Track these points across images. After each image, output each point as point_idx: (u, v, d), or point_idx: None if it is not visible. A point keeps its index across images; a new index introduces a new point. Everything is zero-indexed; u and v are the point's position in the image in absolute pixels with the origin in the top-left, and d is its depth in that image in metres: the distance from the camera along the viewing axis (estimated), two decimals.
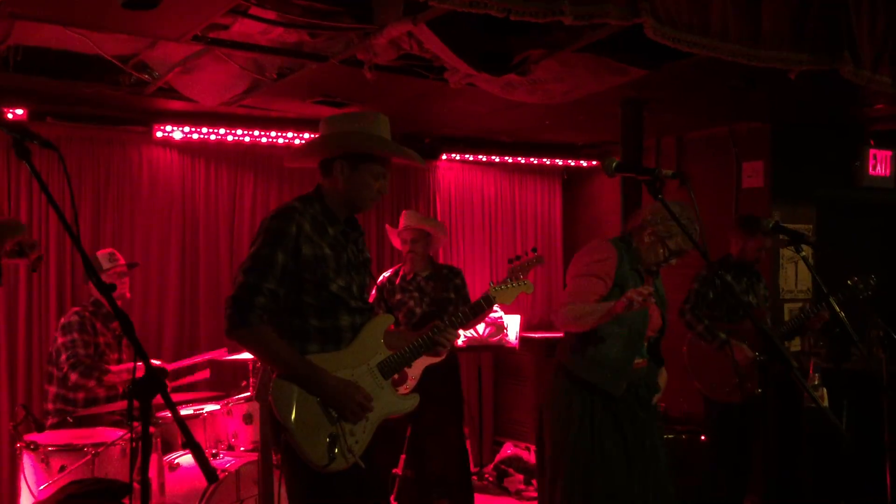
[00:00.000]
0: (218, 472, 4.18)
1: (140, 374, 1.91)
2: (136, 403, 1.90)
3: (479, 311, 3.14)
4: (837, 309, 3.68)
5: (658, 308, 3.66)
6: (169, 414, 4.41)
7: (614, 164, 2.69)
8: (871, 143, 6.61)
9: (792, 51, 3.93)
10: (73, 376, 4.53)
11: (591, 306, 3.44)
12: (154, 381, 1.86)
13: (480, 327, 6.63)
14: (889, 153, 6.70)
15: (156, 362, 4.91)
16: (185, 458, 4.31)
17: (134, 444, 1.91)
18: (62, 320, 4.71)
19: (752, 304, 5.00)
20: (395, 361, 2.92)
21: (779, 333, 4.97)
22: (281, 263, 2.69)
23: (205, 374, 4.98)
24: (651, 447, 3.60)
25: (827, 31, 3.97)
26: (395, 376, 2.95)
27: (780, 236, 3.54)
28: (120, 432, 4.16)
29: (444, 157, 7.16)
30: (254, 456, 4.33)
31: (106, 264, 4.79)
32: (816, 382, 4.48)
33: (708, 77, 4.71)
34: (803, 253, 3.36)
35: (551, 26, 3.56)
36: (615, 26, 3.55)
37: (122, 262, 4.89)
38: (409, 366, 3.01)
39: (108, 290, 1.98)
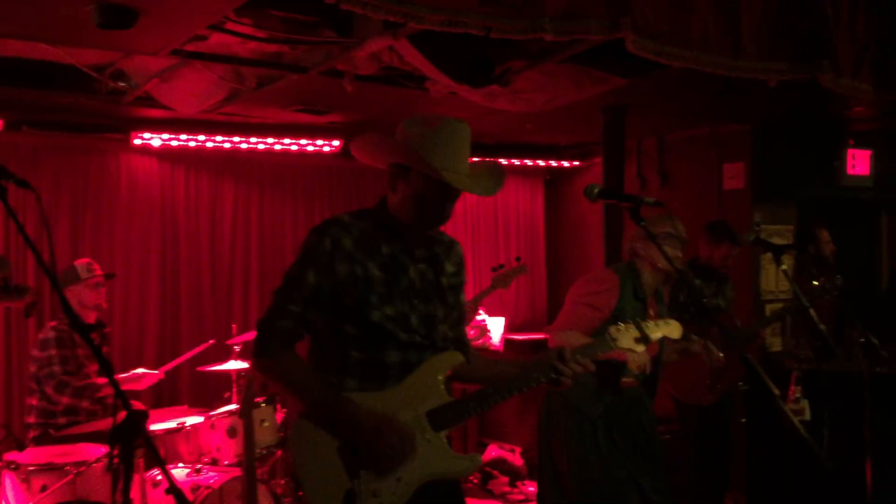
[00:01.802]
0: (202, 489, 4.16)
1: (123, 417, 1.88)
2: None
3: (592, 354, 2.55)
4: (816, 318, 3.71)
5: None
6: (152, 427, 4.42)
7: (596, 191, 2.69)
8: (851, 142, 6.66)
9: (772, 60, 3.94)
10: (48, 390, 4.50)
11: (588, 345, 3.37)
12: (135, 427, 1.83)
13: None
14: (868, 153, 6.75)
15: (138, 372, 4.86)
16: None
17: (115, 465, 1.87)
18: (39, 335, 4.65)
19: (721, 308, 5.04)
20: (453, 411, 2.37)
21: (744, 337, 5.02)
22: (312, 284, 2.32)
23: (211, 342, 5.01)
24: (646, 451, 3.62)
25: (806, 40, 3.98)
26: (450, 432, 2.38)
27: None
28: (102, 449, 4.12)
29: None
30: (237, 471, 4.31)
31: (83, 274, 4.73)
32: (798, 395, 4.51)
33: (688, 84, 4.71)
34: (784, 266, 3.37)
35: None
36: (596, 40, 3.54)
37: (100, 272, 4.84)
38: (472, 417, 2.42)
39: (85, 331, 1.95)
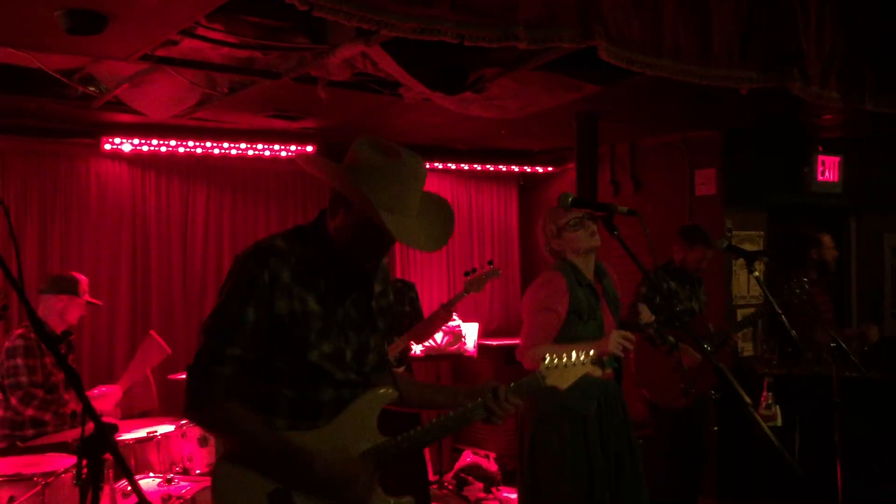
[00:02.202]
0: (173, 499, 4.11)
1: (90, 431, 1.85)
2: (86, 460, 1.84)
3: (522, 394, 2.43)
4: (787, 324, 3.75)
5: (611, 316, 3.71)
6: (123, 437, 4.36)
7: (570, 200, 2.70)
8: (820, 149, 6.74)
9: (742, 69, 3.97)
10: (14, 400, 4.43)
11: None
12: (103, 440, 1.80)
13: (438, 336, 6.62)
14: (837, 159, 6.84)
15: (103, 389, 4.80)
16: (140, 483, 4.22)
17: (84, 476, 1.84)
18: (6, 343, 4.58)
19: (696, 311, 5.09)
20: (388, 451, 2.27)
21: (716, 340, 5.07)
22: (251, 322, 2.12)
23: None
24: (625, 456, 3.64)
25: (776, 48, 4.02)
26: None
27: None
28: (70, 459, 4.06)
29: None
30: (209, 480, 4.26)
31: (81, 291, 4.70)
32: (770, 402, 4.56)
33: (660, 92, 4.75)
34: (756, 273, 3.41)
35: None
36: (569, 48, 3.55)
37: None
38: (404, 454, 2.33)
39: (53, 342, 1.92)
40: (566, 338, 3.53)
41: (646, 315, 3.74)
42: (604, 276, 3.80)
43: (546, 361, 2.47)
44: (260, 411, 2.20)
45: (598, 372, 2.60)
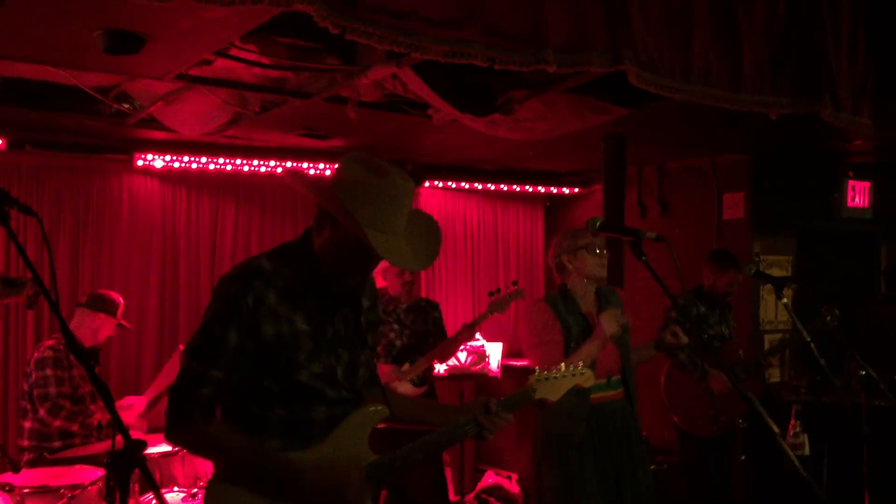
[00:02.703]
0: None
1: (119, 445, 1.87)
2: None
3: (513, 407, 2.48)
4: (816, 352, 3.70)
5: (614, 344, 3.65)
6: (148, 451, 4.39)
7: (598, 224, 2.70)
8: (850, 174, 6.69)
9: (772, 94, 3.96)
10: (42, 412, 4.49)
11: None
12: (133, 456, 1.82)
13: (462, 356, 6.62)
14: (867, 184, 6.78)
15: (131, 400, 4.85)
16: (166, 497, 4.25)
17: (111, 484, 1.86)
18: (35, 355, 4.65)
19: (726, 336, 5.04)
20: (381, 468, 2.26)
21: (751, 366, 5.01)
22: (233, 346, 2.11)
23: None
24: (634, 478, 3.61)
25: (807, 74, 4.00)
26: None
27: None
28: (97, 472, 4.10)
29: (426, 184, 7.15)
30: None
31: (117, 313, 4.79)
32: (798, 430, 4.50)
33: (689, 115, 4.74)
34: (784, 300, 3.38)
35: None
36: (598, 72, 3.56)
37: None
38: (400, 474, 2.34)
39: (83, 356, 1.95)
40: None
41: (682, 337, 3.72)
42: (607, 303, 3.74)
43: (536, 374, 2.53)
44: (253, 432, 2.19)
45: (589, 382, 2.65)
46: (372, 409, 2.31)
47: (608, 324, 3.45)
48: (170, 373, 5.00)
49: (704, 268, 5.11)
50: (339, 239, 2.16)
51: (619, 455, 3.58)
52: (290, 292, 2.18)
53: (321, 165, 6.36)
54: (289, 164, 6.22)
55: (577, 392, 3.31)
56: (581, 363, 2.63)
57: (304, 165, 6.30)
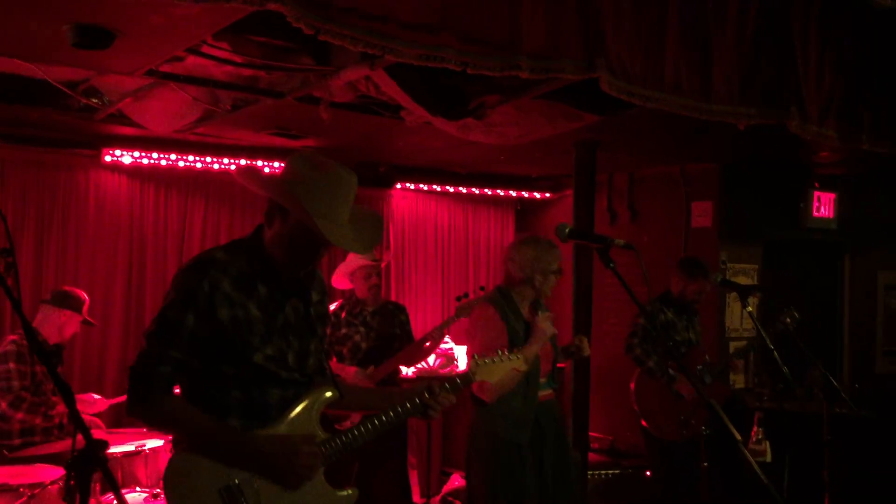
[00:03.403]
0: None
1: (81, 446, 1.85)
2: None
3: (455, 388, 2.69)
4: (779, 360, 3.77)
5: (550, 343, 3.83)
6: (111, 450, 4.34)
7: (567, 231, 2.72)
8: (816, 185, 6.79)
9: (741, 105, 4.00)
10: (3, 405, 4.42)
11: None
12: (93, 456, 1.80)
13: (431, 358, 6.62)
14: (833, 196, 6.89)
15: (95, 396, 4.79)
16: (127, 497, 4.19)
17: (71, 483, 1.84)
18: None
19: (693, 342, 5.10)
20: (331, 447, 2.43)
21: (716, 370, 5.08)
22: (190, 328, 2.26)
23: None
24: (562, 475, 3.77)
25: (775, 86, 4.06)
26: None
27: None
28: (57, 471, 4.04)
29: (398, 185, 7.15)
30: None
31: (82, 310, 4.72)
32: (760, 437, 4.57)
33: (660, 124, 4.79)
34: (749, 308, 3.42)
35: None
36: (571, 79, 3.58)
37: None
38: (349, 452, 2.49)
39: (45, 356, 1.93)
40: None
41: (585, 349, 3.90)
42: (540, 309, 3.88)
43: (476, 359, 2.79)
44: (214, 415, 2.34)
45: (523, 367, 3.07)
46: (323, 392, 2.49)
47: (546, 326, 3.63)
48: None
49: (673, 275, 5.16)
50: (289, 229, 2.36)
51: (551, 450, 3.74)
52: (242, 281, 2.35)
53: None
54: (260, 162, 6.18)
55: (525, 398, 3.59)
56: (519, 353, 2.94)
57: (276, 165, 6.26)
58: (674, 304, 5.12)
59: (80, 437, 1.86)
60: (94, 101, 4.63)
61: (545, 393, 3.78)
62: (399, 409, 2.52)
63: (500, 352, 2.87)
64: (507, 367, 2.86)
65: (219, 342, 2.30)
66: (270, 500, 2.34)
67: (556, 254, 3.76)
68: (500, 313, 3.69)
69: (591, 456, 6.01)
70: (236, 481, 2.31)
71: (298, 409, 2.43)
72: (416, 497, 6.19)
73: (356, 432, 2.47)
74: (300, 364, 2.46)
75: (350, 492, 2.50)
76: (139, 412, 2.33)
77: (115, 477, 4.43)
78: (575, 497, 3.82)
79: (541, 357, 3.74)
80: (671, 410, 4.92)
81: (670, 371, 4.91)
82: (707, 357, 5.08)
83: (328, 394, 2.50)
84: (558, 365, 3.99)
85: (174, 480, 2.31)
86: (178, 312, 2.27)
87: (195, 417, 2.32)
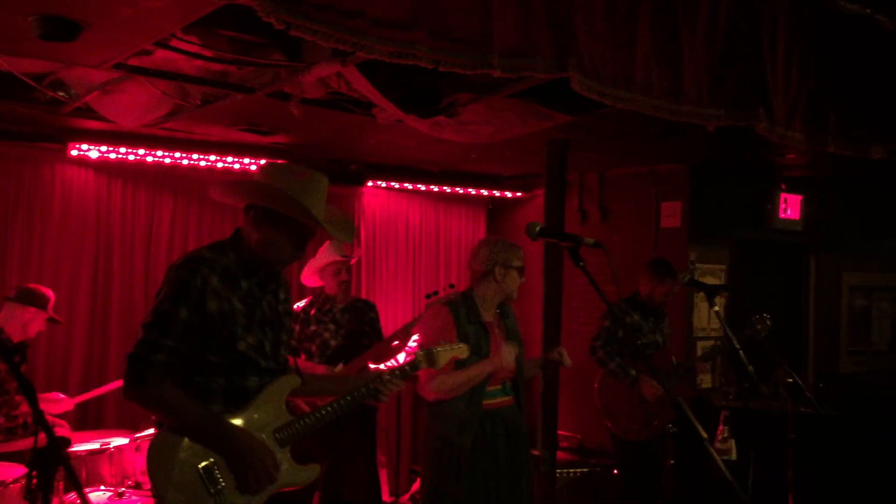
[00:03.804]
0: None
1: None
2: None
3: (404, 375, 3.02)
4: (745, 359, 3.81)
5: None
6: (75, 448, 4.28)
7: (538, 229, 2.73)
8: (783, 187, 6.88)
9: (710, 106, 4.04)
10: None
11: (462, 376, 3.62)
12: (56, 454, 1.78)
13: (401, 356, 6.61)
14: (799, 197, 6.98)
15: (60, 395, 4.73)
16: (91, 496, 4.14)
17: (33, 489, 1.81)
18: None
19: (660, 344, 5.14)
20: (295, 428, 2.72)
21: (681, 371, 5.12)
22: (183, 319, 2.52)
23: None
24: (517, 480, 3.78)
25: (744, 88, 4.10)
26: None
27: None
28: (20, 469, 3.98)
29: (369, 183, 7.13)
30: None
31: (47, 307, 4.63)
32: (726, 435, 4.62)
33: (630, 124, 4.82)
34: (716, 308, 3.45)
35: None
36: (543, 78, 3.59)
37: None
38: (311, 432, 2.77)
39: (8, 353, 1.89)
40: (456, 370, 3.67)
41: (566, 360, 3.99)
42: (506, 316, 3.92)
43: (422, 350, 3.09)
44: (199, 400, 2.58)
45: (464, 355, 3.30)
46: (289, 378, 2.79)
47: (507, 357, 3.67)
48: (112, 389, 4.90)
49: (642, 276, 5.20)
50: (278, 228, 2.65)
51: (507, 460, 3.74)
52: (228, 277, 2.63)
53: (262, 161, 6.28)
54: (229, 158, 6.13)
55: (469, 401, 3.65)
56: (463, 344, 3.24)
57: (246, 161, 6.21)
58: (641, 307, 5.15)
59: (42, 435, 1.83)
60: (61, 94, 4.55)
61: (497, 401, 3.78)
62: (354, 394, 2.83)
63: (442, 342, 3.19)
64: (449, 355, 3.18)
65: (207, 332, 2.56)
66: None
67: (519, 252, 3.82)
68: (452, 314, 3.72)
69: (560, 454, 6.04)
70: (212, 460, 2.55)
71: (266, 394, 2.70)
72: (385, 495, 6.18)
73: (316, 415, 2.77)
74: (275, 353, 2.75)
75: (317, 467, 2.77)
76: (135, 395, 2.53)
77: (79, 475, 4.39)
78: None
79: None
80: (634, 410, 4.97)
81: (633, 372, 4.96)
82: (674, 359, 5.12)
83: (292, 380, 2.78)
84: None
85: (158, 457, 2.53)
86: (172, 305, 2.52)
87: (186, 403, 2.54)
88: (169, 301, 2.53)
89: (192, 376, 2.58)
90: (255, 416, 2.65)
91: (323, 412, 2.78)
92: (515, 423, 3.83)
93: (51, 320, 4.76)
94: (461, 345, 3.23)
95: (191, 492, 2.49)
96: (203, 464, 2.53)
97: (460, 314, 3.73)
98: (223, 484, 2.54)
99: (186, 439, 2.54)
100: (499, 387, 3.78)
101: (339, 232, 2.78)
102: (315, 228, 2.70)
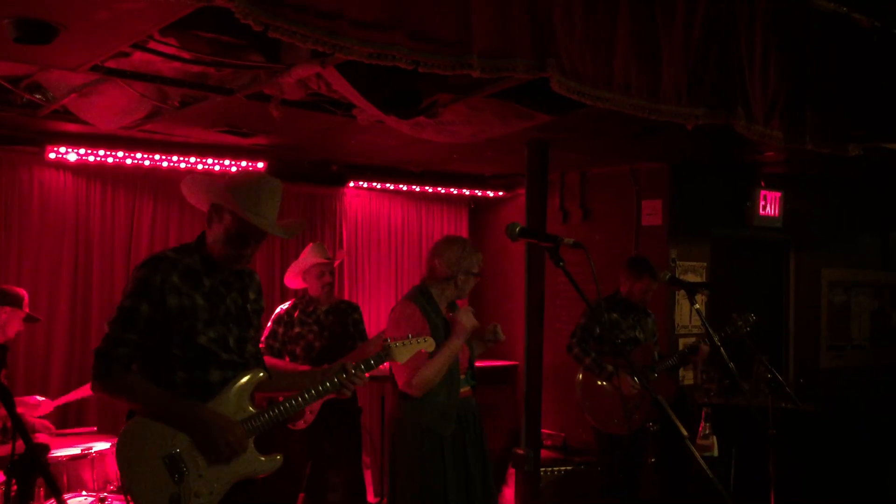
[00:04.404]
0: None
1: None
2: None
3: (370, 367, 3.06)
4: (725, 356, 3.84)
5: (466, 344, 3.92)
6: (56, 453, 4.24)
7: (518, 229, 2.73)
8: (762, 184, 6.93)
9: (689, 106, 4.07)
10: None
11: (435, 363, 3.66)
12: (34, 461, 1.76)
13: None
14: (778, 195, 7.04)
15: (39, 398, 4.68)
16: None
17: (13, 497, 1.80)
18: None
19: (639, 340, 5.17)
20: (259, 421, 2.81)
21: (664, 367, 5.14)
22: (145, 314, 2.66)
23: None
24: (480, 469, 3.85)
25: (722, 87, 4.13)
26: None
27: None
28: None
29: (351, 184, 7.12)
30: None
31: (22, 305, 4.58)
32: (707, 432, 4.65)
33: (610, 123, 4.84)
34: (697, 305, 3.48)
35: None
36: (522, 78, 3.60)
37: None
38: (275, 425, 2.84)
39: None
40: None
41: (499, 334, 4.03)
42: (453, 308, 3.96)
43: (389, 342, 3.12)
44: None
45: (431, 348, 3.30)
46: (253, 372, 2.86)
47: (466, 319, 3.74)
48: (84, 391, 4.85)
49: (621, 274, 5.22)
50: (225, 226, 2.77)
51: (472, 444, 3.83)
52: (189, 275, 2.76)
53: (243, 163, 6.26)
54: (210, 160, 6.10)
55: (449, 392, 3.71)
56: (429, 338, 3.27)
57: (226, 162, 6.18)
58: (621, 305, 5.18)
59: (20, 441, 1.81)
60: (38, 96, 4.51)
61: (464, 389, 3.89)
62: (319, 388, 2.88)
63: (409, 335, 3.21)
64: (416, 348, 3.21)
65: (169, 326, 2.69)
66: (207, 466, 2.70)
67: (479, 257, 3.93)
68: (420, 309, 3.77)
69: (544, 453, 6.06)
70: (178, 450, 2.67)
71: (232, 387, 2.79)
72: (370, 496, 6.17)
73: (279, 408, 2.83)
74: (239, 348, 2.85)
75: (278, 457, 2.83)
76: (101, 386, 2.68)
77: (60, 481, 4.36)
78: (492, 491, 3.94)
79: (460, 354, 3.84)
80: (614, 405, 5.00)
81: (609, 368, 5.00)
82: (656, 354, 5.15)
83: (260, 374, 2.87)
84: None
85: (125, 447, 2.66)
86: (133, 301, 2.67)
87: (149, 389, 2.68)
88: (131, 298, 2.68)
89: (157, 369, 2.72)
90: (219, 409, 2.74)
91: (286, 405, 2.85)
92: (478, 410, 3.96)
93: (28, 318, 4.70)
94: (428, 338, 3.27)
95: (154, 481, 2.61)
96: (167, 453, 2.65)
97: (427, 308, 3.80)
98: (187, 472, 2.65)
99: (152, 428, 2.66)
100: (462, 376, 3.88)
101: (276, 228, 2.85)
102: (264, 229, 2.78)
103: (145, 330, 2.67)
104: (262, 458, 2.81)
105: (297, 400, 2.86)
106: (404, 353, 3.17)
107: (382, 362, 3.13)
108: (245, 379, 2.83)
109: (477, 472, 3.82)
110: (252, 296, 2.96)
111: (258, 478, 2.85)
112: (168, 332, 2.70)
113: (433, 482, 3.69)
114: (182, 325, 2.70)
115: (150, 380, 2.71)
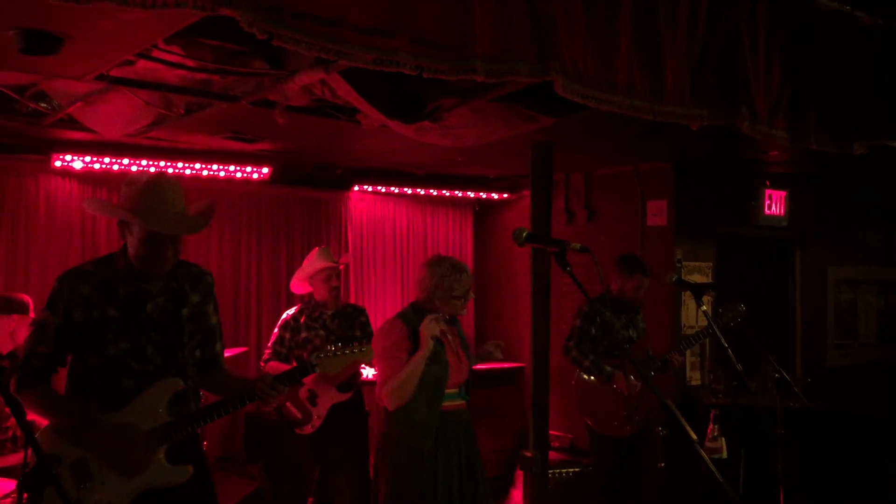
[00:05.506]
0: None
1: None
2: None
3: (292, 379, 2.96)
4: (731, 355, 3.84)
5: (464, 354, 3.93)
6: None
7: (524, 235, 2.74)
8: (767, 183, 6.92)
9: (693, 106, 4.06)
10: None
11: (404, 375, 3.63)
12: (46, 474, 1.77)
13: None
14: (783, 193, 7.03)
15: None
16: None
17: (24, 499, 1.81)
18: None
19: (633, 338, 5.15)
20: (170, 429, 2.81)
21: (654, 366, 5.12)
22: (53, 326, 2.72)
23: None
24: (473, 479, 3.83)
25: (726, 88, 4.12)
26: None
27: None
28: (8, 484, 3.95)
29: (356, 188, 7.13)
30: None
31: (28, 308, 4.60)
32: (716, 434, 4.63)
33: (614, 125, 4.83)
34: (703, 307, 3.47)
35: None
36: (526, 82, 3.60)
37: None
38: (188, 434, 2.84)
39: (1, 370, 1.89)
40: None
41: (498, 354, 4.06)
42: (453, 322, 3.96)
43: (316, 353, 3.01)
44: (82, 397, 2.80)
45: (369, 357, 3.12)
46: (167, 381, 2.85)
47: (427, 328, 3.64)
48: None
49: (612, 273, 5.22)
50: (135, 236, 2.77)
51: (462, 459, 3.80)
52: (103, 286, 2.79)
53: (248, 168, 6.28)
54: (215, 166, 6.12)
55: (429, 406, 3.68)
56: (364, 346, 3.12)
57: (231, 168, 6.20)
58: (612, 303, 5.16)
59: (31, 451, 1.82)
60: (43, 105, 4.53)
61: (455, 403, 3.85)
62: (240, 398, 2.88)
63: (339, 344, 3.09)
64: (348, 360, 3.04)
65: (79, 337, 2.75)
66: (112, 475, 2.72)
67: (462, 278, 3.84)
68: (406, 328, 3.74)
69: (552, 454, 6.05)
70: (84, 457, 2.70)
71: (144, 395, 2.80)
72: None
73: (193, 418, 2.84)
74: (163, 356, 2.85)
75: (188, 468, 2.80)
76: (21, 399, 2.69)
77: (66, 493, 4.36)
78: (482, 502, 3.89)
79: (452, 367, 3.79)
80: (613, 406, 4.99)
81: (608, 369, 4.98)
82: (650, 351, 5.13)
83: (172, 381, 2.85)
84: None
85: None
86: (45, 314, 2.75)
87: (58, 402, 2.79)
88: (43, 312, 2.78)
89: (76, 376, 2.83)
90: (127, 418, 2.77)
91: (202, 414, 2.87)
92: (470, 423, 3.92)
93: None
94: (365, 348, 3.10)
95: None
96: (74, 459, 2.70)
97: (413, 323, 3.75)
98: (94, 478, 2.69)
99: (57, 437, 2.73)
100: (456, 390, 3.85)
101: (177, 226, 2.81)
102: (169, 232, 2.77)
103: (59, 341, 2.74)
104: (171, 469, 2.80)
105: (219, 409, 2.87)
106: (334, 363, 3.03)
107: (306, 374, 3.00)
108: (159, 388, 2.83)
109: (466, 484, 3.79)
110: (195, 299, 2.95)
111: (182, 487, 2.81)
112: (81, 343, 2.76)
113: (412, 496, 3.68)
114: (91, 338, 2.75)
115: (74, 386, 2.81)
